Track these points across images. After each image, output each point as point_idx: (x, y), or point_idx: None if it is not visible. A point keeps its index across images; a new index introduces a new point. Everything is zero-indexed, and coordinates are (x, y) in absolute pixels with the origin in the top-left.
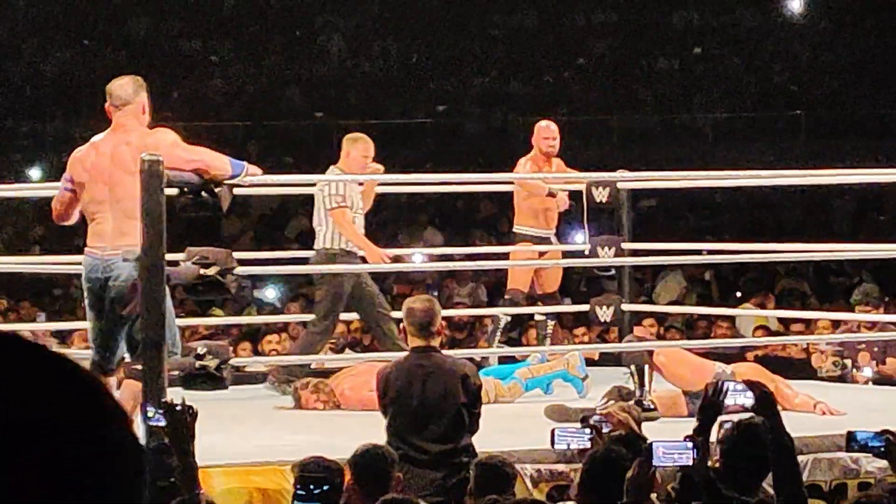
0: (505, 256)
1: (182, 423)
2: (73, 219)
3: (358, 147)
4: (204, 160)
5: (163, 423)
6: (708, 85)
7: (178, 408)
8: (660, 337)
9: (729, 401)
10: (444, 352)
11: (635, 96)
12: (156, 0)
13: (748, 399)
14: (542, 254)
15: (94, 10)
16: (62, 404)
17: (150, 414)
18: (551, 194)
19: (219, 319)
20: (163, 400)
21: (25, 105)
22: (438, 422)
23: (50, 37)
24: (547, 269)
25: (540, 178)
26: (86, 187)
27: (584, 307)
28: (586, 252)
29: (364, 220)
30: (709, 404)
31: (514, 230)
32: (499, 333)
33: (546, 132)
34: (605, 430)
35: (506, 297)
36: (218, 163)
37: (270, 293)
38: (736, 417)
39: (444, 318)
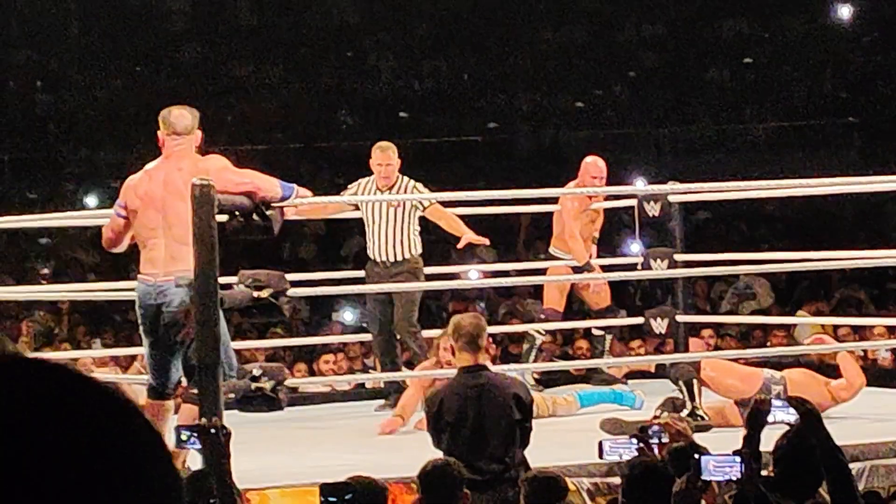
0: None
1: (217, 444)
2: (124, 246)
3: (374, 155)
4: (254, 183)
5: (198, 446)
6: (759, 94)
7: (213, 430)
8: (715, 347)
9: (770, 418)
10: (493, 367)
11: (687, 108)
12: (207, 25)
13: (790, 416)
14: (576, 272)
15: (146, 37)
16: (99, 434)
17: (184, 437)
18: (579, 269)
19: (280, 341)
20: (196, 423)
21: (79, 133)
22: (495, 440)
23: (102, 64)
24: (596, 287)
25: (591, 192)
26: (138, 214)
27: (639, 320)
28: (639, 265)
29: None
30: (755, 416)
31: (549, 251)
32: (534, 353)
33: (594, 170)
34: (663, 441)
35: (541, 315)
36: (268, 185)
37: (348, 315)
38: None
39: (497, 334)
